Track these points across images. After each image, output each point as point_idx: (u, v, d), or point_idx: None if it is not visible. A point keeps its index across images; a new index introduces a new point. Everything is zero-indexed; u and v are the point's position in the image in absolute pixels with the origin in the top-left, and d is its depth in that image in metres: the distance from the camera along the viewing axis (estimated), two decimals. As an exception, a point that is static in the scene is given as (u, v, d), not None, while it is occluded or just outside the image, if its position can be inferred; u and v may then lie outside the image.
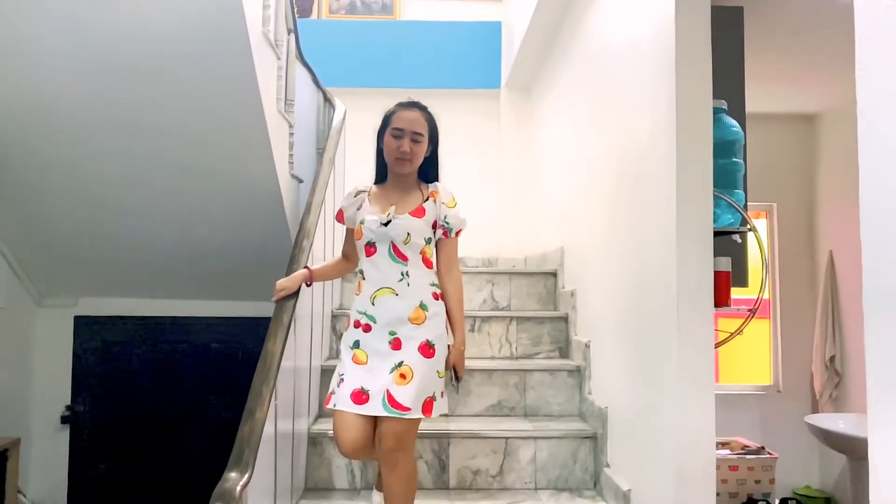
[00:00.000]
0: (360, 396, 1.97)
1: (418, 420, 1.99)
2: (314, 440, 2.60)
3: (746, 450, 2.45)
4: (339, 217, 2.26)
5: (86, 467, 3.53)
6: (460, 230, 2.17)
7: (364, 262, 2.11)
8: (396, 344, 2.01)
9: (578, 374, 2.90)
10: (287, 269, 2.38)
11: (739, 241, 2.33)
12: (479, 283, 3.50)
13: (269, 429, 1.95)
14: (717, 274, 2.20)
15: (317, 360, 2.83)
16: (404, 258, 2.06)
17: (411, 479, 2.05)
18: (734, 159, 2.20)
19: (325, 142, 3.34)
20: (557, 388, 2.91)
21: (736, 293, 2.42)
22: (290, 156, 3.12)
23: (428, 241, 2.11)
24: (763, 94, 3.99)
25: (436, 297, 2.09)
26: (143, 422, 3.57)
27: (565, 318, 3.20)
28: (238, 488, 1.65)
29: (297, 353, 2.44)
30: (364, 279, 2.10)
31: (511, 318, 3.21)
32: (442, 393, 2.06)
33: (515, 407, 2.89)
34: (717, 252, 2.28)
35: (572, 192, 3.23)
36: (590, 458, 2.60)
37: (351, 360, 2.04)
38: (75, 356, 3.56)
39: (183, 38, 2.25)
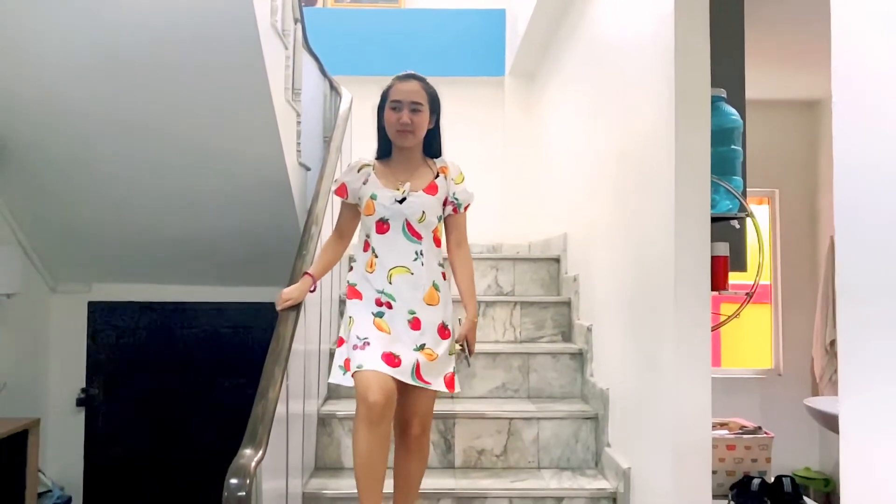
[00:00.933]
0: (392, 359, 1.96)
1: (435, 393, 2.06)
2: (323, 421, 2.68)
3: (744, 430, 2.52)
4: (341, 191, 2.17)
5: (101, 448, 3.62)
6: (469, 204, 2.18)
7: (376, 239, 2.08)
8: (416, 324, 2.03)
9: (580, 357, 2.96)
10: (296, 254, 2.44)
11: (738, 226, 2.38)
12: (484, 269, 3.55)
13: (280, 409, 2.01)
14: (715, 259, 2.25)
15: (325, 345, 2.90)
16: (418, 236, 2.06)
17: (426, 460, 2.12)
18: (733, 146, 2.24)
19: (332, 130, 3.39)
20: (560, 371, 2.98)
21: (737, 278, 2.48)
22: (298, 144, 3.17)
23: (439, 219, 2.13)
24: (765, 81, 4.02)
25: (443, 276, 2.13)
26: (156, 404, 3.66)
27: (568, 303, 3.26)
28: (253, 464, 1.72)
29: (307, 337, 2.50)
30: (376, 256, 2.07)
31: (515, 303, 3.28)
32: (457, 369, 2.12)
33: (519, 389, 2.96)
34: (716, 237, 2.33)
35: (575, 179, 3.28)
36: (591, 438, 2.67)
37: (374, 325, 2.01)
38: (89, 341, 3.64)
39: (193, 30, 2.30)
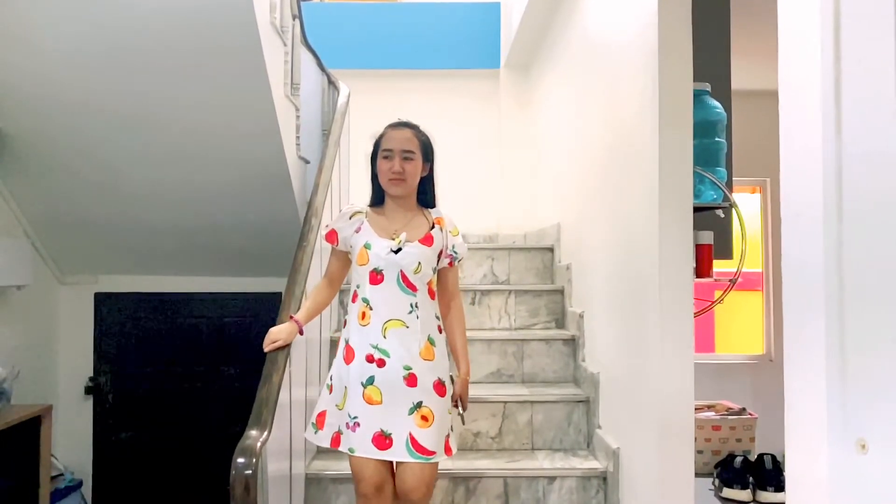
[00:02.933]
0: (383, 441, 1.91)
1: (437, 463, 1.97)
2: (325, 406, 2.77)
3: (730, 411, 2.62)
4: (331, 238, 2.11)
5: (109, 435, 3.73)
6: (463, 258, 2.14)
7: (368, 290, 2.00)
8: (412, 380, 1.95)
9: (573, 343, 3.06)
10: (297, 246, 2.51)
11: (723, 215, 2.47)
12: (480, 259, 3.64)
13: (284, 395, 2.09)
14: (699, 247, 2.35)
15: (326, 333, 3.00)
16: (413, 288, 1.99)
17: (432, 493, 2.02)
18: (717, 138, 2.33)
19: (331, 123, 3.46)
20: (553, 357, 3.07)
21: (724, 265, 2.57)
22: (297, 138, 3.25)
23: (434, 271, 2.07)
24: (756, 71, 4.09)
25: (440, 329, 2.06)
26: (162, 392, 3.76)
27: (561, 291, 3.35)
28: (258, 445, 1.81)
29: (308, 326, 2.59)
30: (371, 309, 1.99)
31: (510, 292, 3.37)
32: (452, 427, 2.04)
33: (514, 374, 3.06)
34: (701, 226, 2.42)
35: (568, 171, 3.36)
36: (583, 421, 2.77)
37: (363, 399, 1.95)
38: (96, 330, 3.74)
39: (195, 28, 2.37)
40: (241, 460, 1.76)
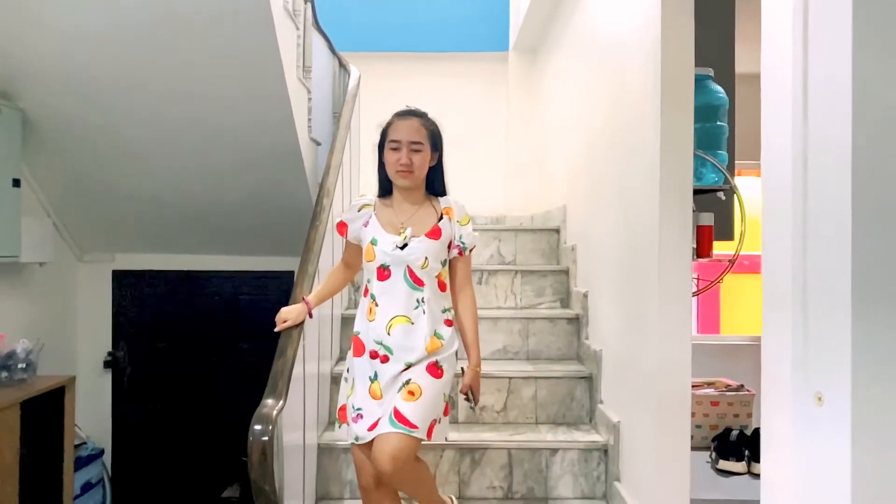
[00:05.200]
0: (375, 425, 1.94)
1: (419, 440, 1.90)
2: (336, 379, 2.87)
3: (728, 388, 2.70)
4: (341, 230, 2.11)
5: (127, 407, 3.86)
6: (474, 247, 2.10)
7: (376, 286, 2.00)
8: (408, 368, 1.96)
9: (577, 322, 3.14)
10: (310, 225, 2.60)
11: (724, 198, 2.53)
12: (487, 240, 3.71)
13: (297, 369, 2.18)
14: (700, 228, 2.42)
15: (338, 310, 3.09)
16: (420, 283, 1.97)
17: (426, 481, 1.97)
18: (718, 122, 2.39)
19: (341, 106, 3.53)
20: (557, 335, 3.16)
21: (733, 248, 2.63)
22: (309, 120, 3.32)
23: (443, 264, 2.03)
24: (758, 56, 4.12)
25: (448, 323, 2.03)
26: (178, 366, 3.88)
27: (566, 272, 3.43)
28: (274, 413, 1.91)
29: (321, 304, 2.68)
30: (377, 305, 1.99)
31: (516, 272, 3.44)
32: (445, 411, 2.01)
33: (519, 351, 3.15)
34: (703, 208, 2.49)
35: (574, 153, 3.42)
36: (586, 396, 2.86)
37: (368, 393, 1.98)
38: (114, 307, 3.86)
39: (211, 12, 2.44)
40: (258, 427, 1.86)
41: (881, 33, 0.66)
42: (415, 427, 1.86)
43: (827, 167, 0.68)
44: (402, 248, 1.96)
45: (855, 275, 0.65)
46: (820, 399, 0.67)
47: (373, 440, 1.92)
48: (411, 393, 1.90)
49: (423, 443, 1.94)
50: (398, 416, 1.87)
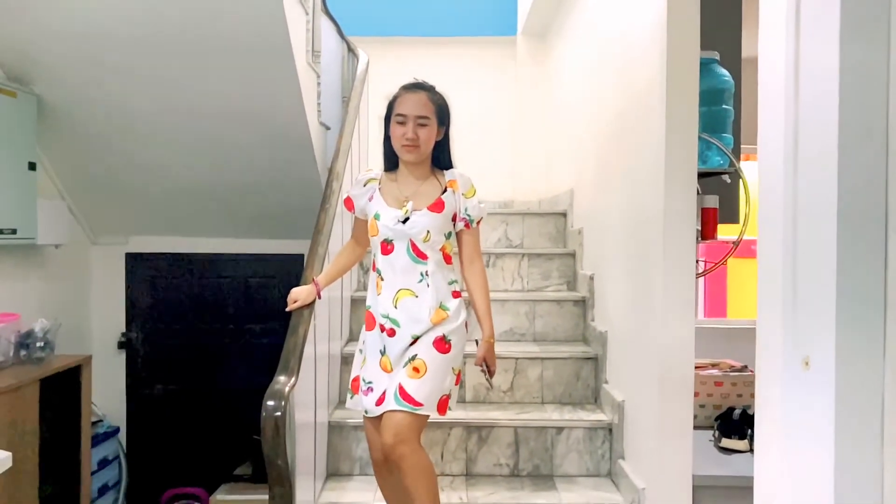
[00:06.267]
0: (382, 399, 1.96)
1: (425, 417, 1.91)
2: (346, 359, 2.93)
3: (732, 369, 2.74)
4: (348, 205, 2.13)
5: (141, 387, 3.94)
6: (481, 219, 2.08)
7: (380, 261, 2.01)
8: (414, 342, 1.97)
9: (583, 304, 3.18)
10: (319, 208, 2.63)
11: (729, 181, 2.55)
12: (495, 223, 3.75)
13: (308, 349, 2.22)
14: (705, 210, 2.44)
15: (347, 292, 3.14)
16: (423, 256, 1.97)
17: (428, 476, 1.89)
18: (724, 106, 2.40)
19: (350, 90, 3.56)
20: (564, 317, 3.20)
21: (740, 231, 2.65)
22: (319, 104, 3.36)
23: (448, 236, 2.02)
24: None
25: (455, 295, 2.02)
26: (190, 348, 3.96)
27: (573, 255, 3.46)
28: (287, 389, 1.96)
29: (331, 285, 2.73)
30: (382, 279, 2.01)
31: (523, 255, 3.48)
32: (457, 381, 2.02)
33: (525, 333, 3.20)
34: (708, 191, 2.52)
35: (582, 137, 3.44)
36: (591, 377, 2.90)
37: (379, 366, 2.01)
38: (127, 289, 3.93)
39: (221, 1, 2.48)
40: (270, 403, 1.91)
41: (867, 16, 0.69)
42: (419, 404, 1.87)
43: (815, 148, 0.72)
44: (403, 221, 1.96)
45: (839, 249, 0.68)
46: (807, 363, 0.71)
47: (376, 410, 1.96)
48: (416, 370, 1.91)
49: (430, 419, 1.96)
50: (403, 393, 1.89)
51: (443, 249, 2.01)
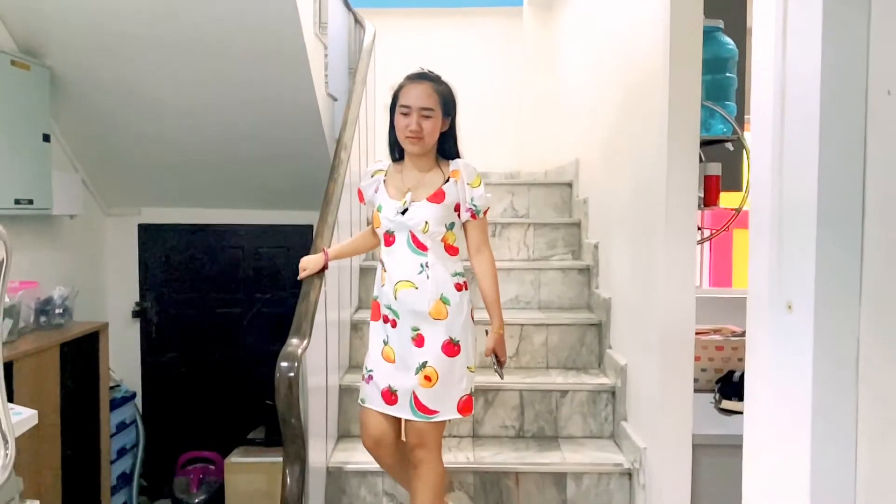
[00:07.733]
0: (390, 396, 1.99)
1: (443, 422, 1.99)
2: (355, 326, 3.01)
3: (734, 334, 2.80)
4: (361, 197, 2.17)
5: (155, 354, 4.04)
6: (488, 209, 2.07)
7: (384, 252, 2.04)
8: (419, 341, 1.97)
9: (588, 273, 3.24)
10: (328, 178, 2.69)
11: (732, 149, 2.58)
12: (501, 194, 3.79)
13: (319, 316, 2.29)
14: (708, 178, 2.48)
15: (356, 261, 3.21)
16: (423, 248, 1.97)
17: (437, 486, 1.99)
18: (727, 74, 2.42)
19: (357, 62, 3.59)
20: (569, 285, 3.26)
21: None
22: (326, 76, 3.39)
23: (450, 227, 2.00)
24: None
25: (458, 287, 2.01)
26: (203, 317, 4.04)
27: (578, 224, 3.51)
28: (299, 351, 2.03)
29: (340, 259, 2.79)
30: (385, 271, 2.03)
31: (529, 225, 3.53)
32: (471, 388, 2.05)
33: (531, 301, 3.26)
34: (712, 158, 2.55)
35: (587, 107, 3.46)
36: (595, 342, 2.97)
37: (381, 355, 2.05)
38: (140, 259, 4.01)
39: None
40: (284, 364, 1.99)
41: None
42: (433, 412, 1.95)
43: (799, 110, 0.76)
44: (402, 213, 1.97)
45: (820, 199, 0.73)
46: (790, 307, 0.76)
47: (384, 408, 2.02)
48: (427, 378, 1.94)
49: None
50: (418, 403, 1.95)
51: (445, 240, 2.00)
